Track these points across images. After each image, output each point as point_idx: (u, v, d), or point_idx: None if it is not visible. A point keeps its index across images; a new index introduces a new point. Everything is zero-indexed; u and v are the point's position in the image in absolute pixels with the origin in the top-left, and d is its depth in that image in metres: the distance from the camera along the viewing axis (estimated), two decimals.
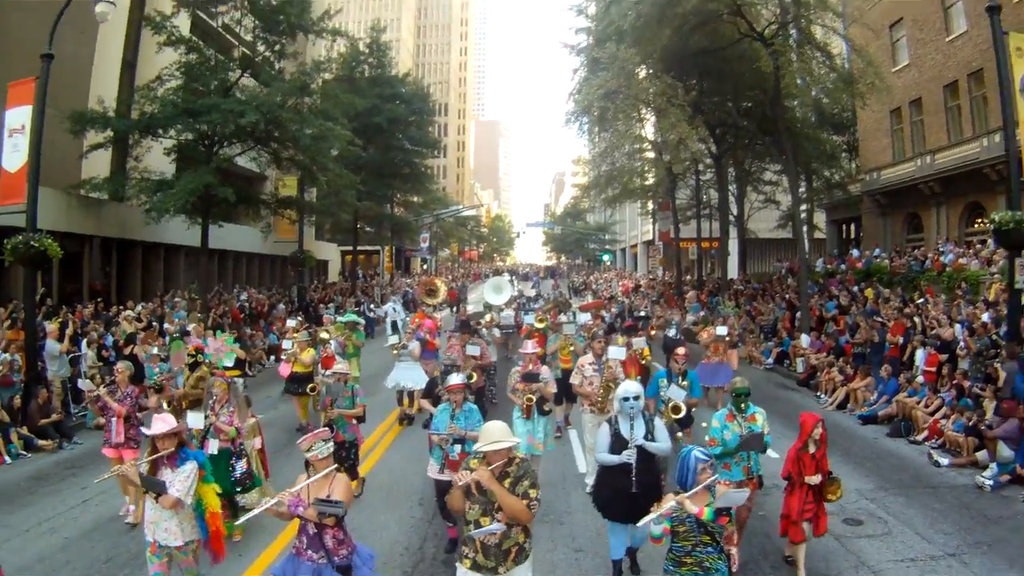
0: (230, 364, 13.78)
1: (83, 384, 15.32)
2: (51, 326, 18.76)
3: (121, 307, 25.39)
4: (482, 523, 6.56)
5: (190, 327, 21.00)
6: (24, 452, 15.13)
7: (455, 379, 10.15)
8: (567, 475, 13.49)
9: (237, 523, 7.41)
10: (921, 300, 23.24)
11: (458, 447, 9.53)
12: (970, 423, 14.36)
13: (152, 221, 28.06)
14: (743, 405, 9.54)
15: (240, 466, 10.65)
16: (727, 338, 18.05)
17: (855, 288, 28.68)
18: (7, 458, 14.63)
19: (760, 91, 28.72)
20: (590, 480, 12.03)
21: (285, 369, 17.53)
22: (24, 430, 15.64)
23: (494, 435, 6.71)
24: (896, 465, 14.12)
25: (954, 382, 16.15)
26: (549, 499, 11.40)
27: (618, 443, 8.82)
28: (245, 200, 32.89)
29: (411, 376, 17.37)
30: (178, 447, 7.72)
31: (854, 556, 9.66)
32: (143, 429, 8.16)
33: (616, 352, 12.68)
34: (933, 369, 17.55)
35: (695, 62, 31.63)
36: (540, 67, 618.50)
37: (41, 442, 15.57)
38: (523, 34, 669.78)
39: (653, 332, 22.81)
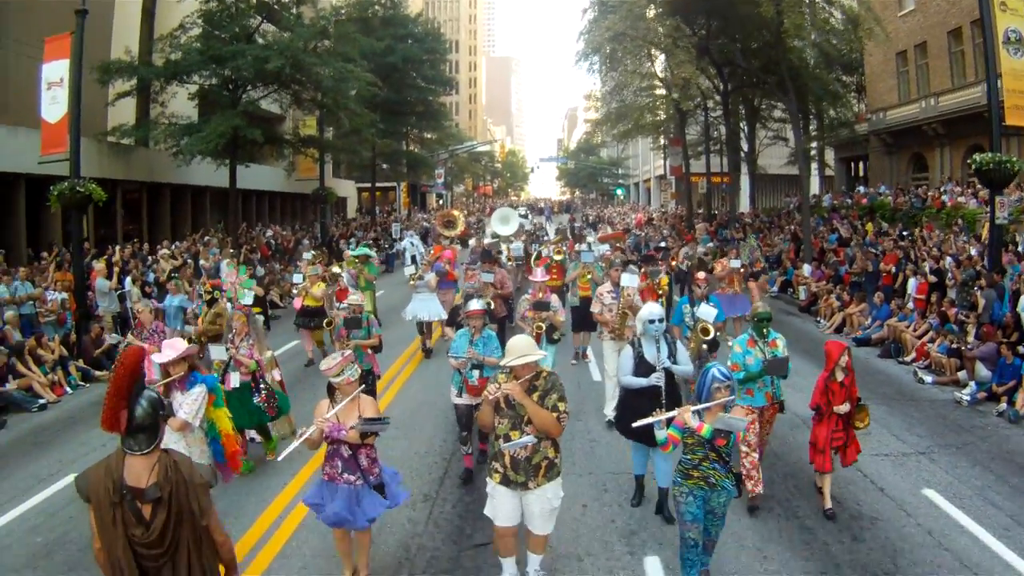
0: (249, 302, 13.56)
1: (111, 338, 16.64)
2: (99, 265, 19.92)
3: (158, 246, 26.59)
4: (512, 437, 6.69)
5: (224, 263, 22.14)
6: (83, 383, 16.19)
7: (475, 304, 10.37)
8: (586, 408, 13.45)
9: (280, 457, 7.31)
10: (911, 234, 24.37)
11: (476, 372, 9.68)
12: (953, 346, 15.55)
13: (183, 164, 29.33)
14: (765, 330, 9.57)
15: (257, 399, 10.67)
16: (742, 270, 18.03)
17: (857, 222, 29.69)
18: (68, 389, 15.69)
19: (765, 32, 29.20)
20: (608, 409, 12.45)
21: (299, 303, 17.33)
22: (81, 362, 16.79)
23: (521, 349, 6.77)
24: (883, 381, 15.34)
25: (941, 309, 17.25)
26: (570, 432, 11.48)
27: (642, 366, 8.85)
28: (271, 141, 34.25)
29: (428, 308, 17.60)
30: (188, 371, 8.04)
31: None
32: (154, 357, 8.17)
33: (629, 279, 12.62)
34: (923, 297, 18.65)
35: (702, 4, 31.87)
36: (551, 1, 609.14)
37: (98, 373, 16.58)
38: None
39: (674, 263, 22.97)
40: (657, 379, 8.70)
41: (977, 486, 9.84)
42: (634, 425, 7.34)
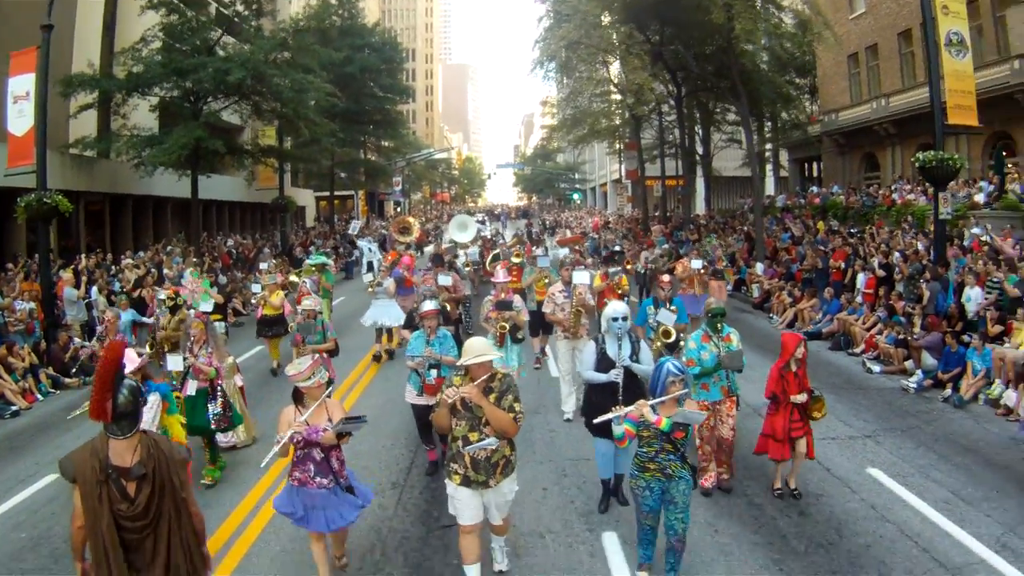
0: (208, 309, 13.27)
1: (78, 345, 16.68)
2: (67, 275, 20.18)
3: (121, 256, 26.84)
4: (470, 438, 6.79)
5: (188, 271, 22.40)
6: (53, 390, 16.43)
7: (428, 305, 10.33)
8: (546, 403, 13.74)
9: (262, 464, 7.38)
10: (860, 231, 25.14)
11: (434, 372, 9.70)
12: (900, 336, 16.17)
13: (145, 175, 29.61)
14: (719, 325, 9.60)
15: (213, 407, 10.51)
16: (702, 271, 17.77)
17: (809, 222, 30.42)
18: (39, 396, 15.90)
19: (717, 37, 29.77)
20: (566, 407, 12.79)
21: (260, 312, 17.32)
22: (51, 370, 16.94)
23: (477, 349, 6.86)
24: (833, 372, 15.94)
25: (889, 302, 17.88)
26: (530, 425, 11.96)
27: (604, 362, 8.99)
28: (232, 151, 34.44)
29: (387, 313, 17.49)
30: (142, 380, 7.90)
31: None
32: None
33: (580, 277, 12.90)
34: (871, 291, 19.31)
35: (655, 11, 32.29)
36: (507, 9, 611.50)
37: (67, 380, 16.83)
38: None
39: (629, 266, 23.23)
40: (616, 375, 8.84)
41: (920, 465, 10.41)
42: (595, 421, 7.58)
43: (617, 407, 7.26)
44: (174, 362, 10.28)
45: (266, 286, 17.51)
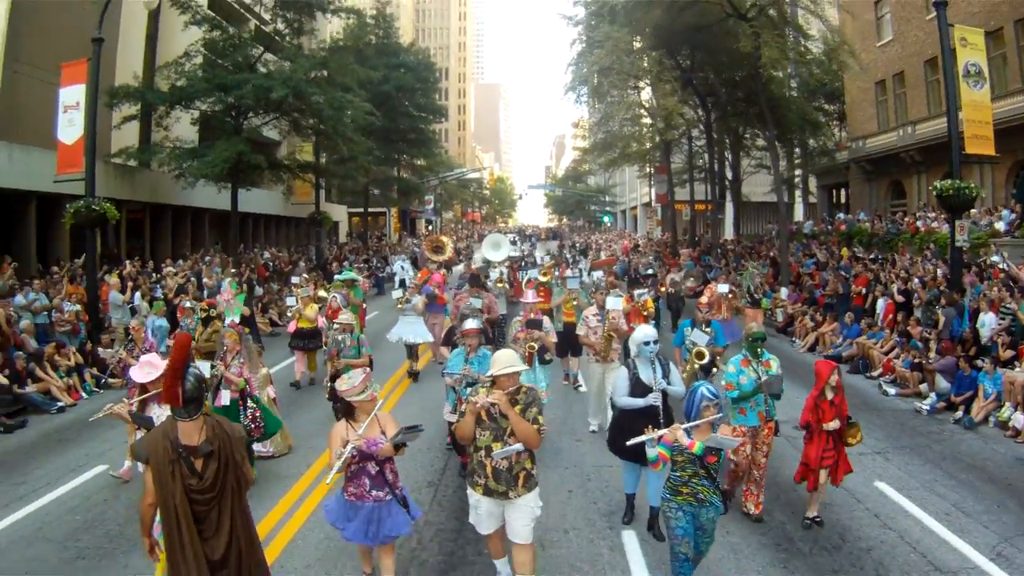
0: (237, 319, 13.63)
1: (104, 353, 17.18)
2: (113, 279, 21.09)
3: (162, 264, 27.79)
4: (494, 448, 6.88)
5: (226, 281, 23.11)
6: (97, 389, 17.10)
7: (471, 324, 10.28)
8: (573, 414, 14.28)
9: (327, 480, 6.85)
10: (882, 258, 25.58)
11: (470, 390, 8.76)
12: (915, 360, 16.66)
13: (188, 186, 30.56)
14: (759, 350, 9.60)
15: (243, 419, 10.59)
16: (730, 296, 18.01)
17: (835, 248, 30.79)
18: (83, 394, 16.57)
19: (746, 64, 30.35)
20: (593, 421, 13.13)
21: (293, 326, 17.41)
22: (95, 370, 17.68)
23: (506, 361, 6.94)
24: (850, 394, 15.82)
25: (906, 327, 18.27)
26: (557, 433, 12.82)
27: (639, 387, 8.87)
28: (272, 166, 35.49)
29: (413, 331, 17.54)
30: None
31: (796, 451, 11.14)
32: (133, 375, 8.06)
33: (614, 303, 12.90)
34: (891, 316, 19.76)
35: (686, 38, 33.02)
36: (540, 29, 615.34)
37: (112, 380, 17.35)
38: None
39: (663, 288, 23.55)
40: (655, 399, 8.76)
41: (925, 480, 10.91)
42: (628, 443, 7.50)
43: (649, 429, 7.19)
44: (203, 368, 9.76)
45: (301, 299, 17.82)
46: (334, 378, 11.71)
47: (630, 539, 8.89)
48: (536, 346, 11.79)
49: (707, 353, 10.86)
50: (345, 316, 13.55)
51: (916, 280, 20.46)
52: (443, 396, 11.44)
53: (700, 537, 7.05)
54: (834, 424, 8.97)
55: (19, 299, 18.27)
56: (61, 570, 8.15)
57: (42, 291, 19.44)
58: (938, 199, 19.78)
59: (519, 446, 6.79)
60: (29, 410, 15.00)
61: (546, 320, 13.34)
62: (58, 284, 21.03)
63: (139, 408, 7.84)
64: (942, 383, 15.53)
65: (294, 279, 24.55)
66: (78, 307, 19.31)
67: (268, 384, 12.32)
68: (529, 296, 14.09)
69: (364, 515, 7.02)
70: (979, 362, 15.06)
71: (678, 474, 7.04)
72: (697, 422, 6.99)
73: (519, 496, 6.97)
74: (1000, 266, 19.69)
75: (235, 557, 5.68)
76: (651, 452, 6.98)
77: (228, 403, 10.48)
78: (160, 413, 7.71)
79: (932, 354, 16.50)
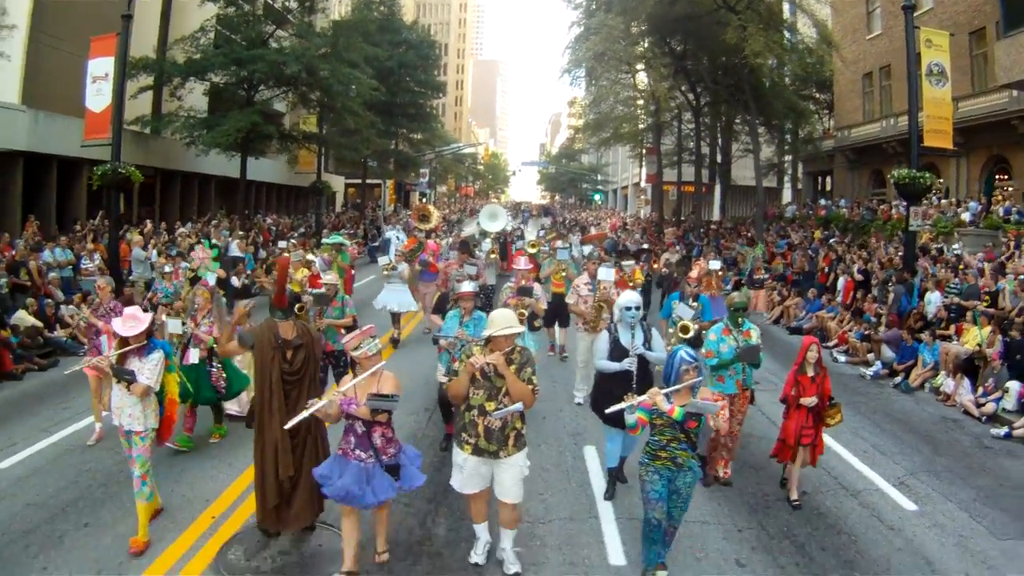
0: (212, 281, 13.29)
1: (67, 310, 17.42)
2: (136, 236, 22.77)
3: (176, 225, 29.60)
4: (487, 407, 6.96)
5: (234, 243, 24.74)
6: None
7: (467, 287, 10.30)
8: (557, 387, 14.29)
9: (288, 425, 7.02)
10: (850, 242, 27.43)
11: (464, 350, 8.46)
12: (865, 332, 18.50)
13: (201, 153, 32.44)
14: (740, 320, 9.81)
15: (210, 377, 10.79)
16: (720, 272, 17.52)
17: (811, 231, 32.45)
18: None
19: (733, 55, 31.82)
20: (578, 393, 13.23)
21: None
22: None
23: (503, 321, 7.01)
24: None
25: (863, 303, 20.09)
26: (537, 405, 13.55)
27: (617, 351, 9.09)
28: (282, 137, 37.79)
29: (399, 298, 17.59)
30: (148, 339, 7.89)
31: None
32: (117, 329, 7.80)
33: (606, 273, 12.75)
34: (850, 293, 21.51)
35: (679, 26, 34.55)
36: (539, 7, 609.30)
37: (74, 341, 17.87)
38: None
39: (656, 265, 23.94)
40: (630, 363, 9.00)
41: (854, 427, 12.54)
42: (607, 411, 7.53)
43: (630, 395, 7.26)
44: (173, 325, 10.48)
45: (292, 263, 17.43)
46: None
47: (591, 454, 10.81)
48: (526, 312, 11.43)
49: (692, 326, 10.71)
50: (329, 277, 13.43)
51: (876, 262, 22.20)
52: (429, 365, 12.73)
53: (674, 503, 7.18)
54: (811, 400, 9.17)
55: (47, 254, 19.96)
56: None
57: (67, 247, 21.11)
58: (896, 187, 21.51)
59: (519, 406, 6.88)
60: (58, 352, 16.43)
61: (537, 287, 13.72)
62: (82, 241, 22.61)
63: (118, 361, 7.68)
64: (887, 352, 17.33)
65: (281, 243, 25.64)
66: (100, 262, 20.87)
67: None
68: (521, 263, 14.21)
69: (353, 474, 7.00)
70: (922, 335, 16.69)
71: (657, 438, 7.18)
72: (677, 386, 7.08)
73: (509, 455, 7.11)
74: (957, 253, 21.38)
75: (304, 427, 7.46)
76: (630, 418, 7.10)
77: (196, 361, 10.63)
78: (140, 367, 7.69)
79: (882, 328, 18.24)
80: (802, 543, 8.43)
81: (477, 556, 7.58)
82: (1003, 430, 12.80)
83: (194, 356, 10.64)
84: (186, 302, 13.37)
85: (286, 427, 7.14)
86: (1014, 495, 10.10)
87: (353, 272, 22.75)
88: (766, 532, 8.66)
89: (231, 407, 11.78)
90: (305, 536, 8.05)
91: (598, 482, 9.90)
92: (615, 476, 9.53)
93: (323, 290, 12.64)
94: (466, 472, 7.19)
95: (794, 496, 9.33)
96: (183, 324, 10.67)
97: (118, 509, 8.58)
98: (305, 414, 6.81)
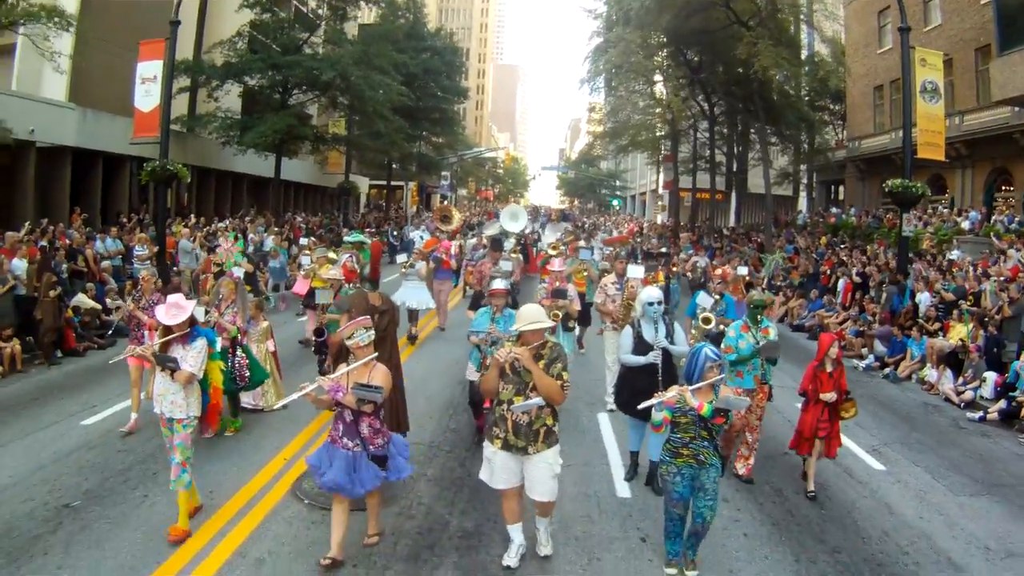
0: (239, 274, 13.55)
1: (112, 303, 17.37)
2: (184, 229, 24.25)
3: (215, 219, 31.25)
4: (515, 401, 6.88)
5: (269, 238, 26.12)
6: None
7: (499, 284, 10.47)
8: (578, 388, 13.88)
9: (277, 405, 7.60)
10: (857, 247, 28.41)
11: (495, 347, 9.12)
12: (860, 329, 20.04)
13: (239, 153, 34.34)
14: (759, 317, 9.90)
15: (231, 365, 10.84)
16: (746, 278, 17.65)
17: (819, 238, 33.67)
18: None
19: (746, 68, 32.88)
20: (610, 400, 12.29)
21: (301, 286, 17.59)
22: None
23: (532, 316, 6.97)
24: (802, 353, 18.77)
25: (860, 303, 21.57)
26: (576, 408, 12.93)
27: (641, 345, 9.20)
28: (316, 139, 39.81)
29: (416, 296, 17.59)
30: (190, 326, 7.92)
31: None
32: (162, 318, 7.75)
33: (634, 271, 12.72)
34: (848, 294, 22.98)
35: (694, 39, 36.00)
36: (561, 12, 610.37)
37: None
38: None
39: (675, 268, 23.29)
40: (655, 357, 9.11)
41: None
42: (639, 407, 7.57)
43: (659, 393, 7.27)
44: (196, 312, 9.58)
45: (316, 259, 17.86)
46: (318, 332, 12.05)
47: (604, 421, 12.21)
48: (560, 314, 11.43)
49: (712, 318, 11.11)
50: (333, 271, 13.61)
51: (874, 265, 23.52)
52: (448, 362, 14.02)
53: (702, 499, 7.05)
54: (830, 395, 9.32)
55: (99, 245, 21.48)
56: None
57: (117, 238, 22.68)
58: (890, 195, 22.84)
59: (539, 400, 6.81)
60: (117, 333, 17.63)
61: (571, 288, 13.70)
62: (130, 233, 24.07)
63: (161, 349, 7.76)
64: (879, 347, 18.80)
65: (302, 240, 26.35)
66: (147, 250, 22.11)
67: (268, 338, 12.49)
68: (556, 264, 14.39)
69: (341, 464, 7.02)
70: (912, 332, 18.08)
71: (679, 435, 7.11)
72: (700, 384, 7.02)
73: (538, 452, 7.00)
74: (951, 258, 22.71)
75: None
76: (656, 416, 7.08)
77: (219, 349, 10.13)
78: (184, 354, 7.76)
79: (876, 325, 19.69)
80: (779, 488, 9.91)
81: (510, 559, 7.34)
82: (978, 414, 14.26)
83: (216, 344, 10.03)
84: (211, 294, 13.10)
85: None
86: (978, 465, 11.47)
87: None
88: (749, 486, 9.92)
89: (246, 400, 11.87)
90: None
91: (610, 441, 11.35)
92: (636, 460, 9.82)
93: (328, 285, 13.14)
94: (495, 466, 7.15)
95: (810, 488, 9.59)
96: (206, 312, 10.56)
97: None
98: (296, 395, 6.96)
